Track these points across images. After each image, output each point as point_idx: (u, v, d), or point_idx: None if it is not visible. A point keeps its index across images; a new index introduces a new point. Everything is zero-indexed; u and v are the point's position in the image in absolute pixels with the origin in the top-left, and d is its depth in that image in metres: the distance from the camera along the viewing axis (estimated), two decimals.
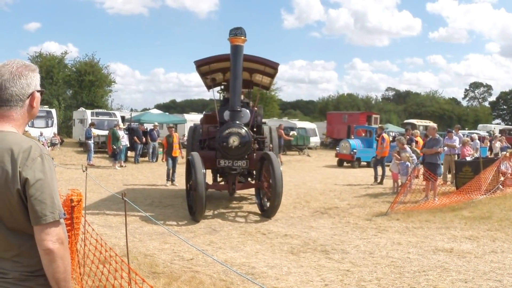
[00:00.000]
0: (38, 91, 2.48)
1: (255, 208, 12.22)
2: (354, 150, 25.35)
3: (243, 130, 11.14)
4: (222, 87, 15.23)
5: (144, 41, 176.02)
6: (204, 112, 15.19)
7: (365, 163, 25.66)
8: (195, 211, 10.42)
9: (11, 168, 2.21)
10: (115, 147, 22.12)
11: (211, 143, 12.26)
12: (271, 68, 13.09)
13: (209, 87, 15.07)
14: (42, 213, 2.21)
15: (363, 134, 27.34)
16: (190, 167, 11.16)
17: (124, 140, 23.09)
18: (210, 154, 11.65)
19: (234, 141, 10.92)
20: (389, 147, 18.67)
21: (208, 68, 13.11)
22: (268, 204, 11.49)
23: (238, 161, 11.30)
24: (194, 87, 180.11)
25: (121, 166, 22.38)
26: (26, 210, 2.25)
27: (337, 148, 28.26)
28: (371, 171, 19.98)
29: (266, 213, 11.24)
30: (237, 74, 11.38)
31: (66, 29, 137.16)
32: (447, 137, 17.32)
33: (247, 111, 12.13)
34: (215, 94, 14.95)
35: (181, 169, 16.63)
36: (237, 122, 11.29)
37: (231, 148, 10.98)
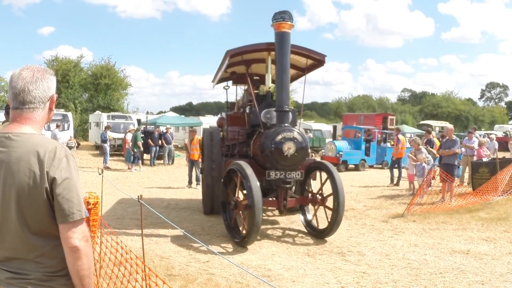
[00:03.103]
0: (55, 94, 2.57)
1: (269, 210, 12.18)
2: (340, 153, 24.20)
3: (299, 135, 9.22)
4: (230, 82, 13.86)
5: (158, 45, 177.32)
6: (224, 113, 12.78)
7: (352, 166, 24.97)
8: (248, 236, 8.39)
9: (39, 169, 2.28)
10: (136, 150, 22.40)
11: (242, 149, 10.82)
12: (314, 61, 11.10)
13: (220, 80, 13.79)
14: (70, 211, 2.29)
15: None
16: (229, 178, 9.60)
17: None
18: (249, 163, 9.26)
19: (289, 148, 8.95)
20: (404, 148, 18.60)
21: (240, 58, 10.88)
22: (311, 218, 10.15)
23: (292, 172, 9.26)
24: (209, 89, 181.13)
25: (129, 169, 22.63)
26: (52, 209, 2.31)
27: (322, 151, 27.33)
28: (387, 172, 19.91)
29: (321, 234, 9.45)
30: (285, 66, 9.46)
31: (79, 33, 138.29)
32: (466, 138, 17.26)
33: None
34: (227, 91, 13.75)
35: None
36: (286, 124, 9.37)
37: (286, 157, 8.98)
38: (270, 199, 9.56)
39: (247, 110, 11.71)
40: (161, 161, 25.63)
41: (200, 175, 15.04)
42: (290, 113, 9.55)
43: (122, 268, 5.20)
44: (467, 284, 6.54)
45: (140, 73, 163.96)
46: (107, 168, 22.12)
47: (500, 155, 19.13)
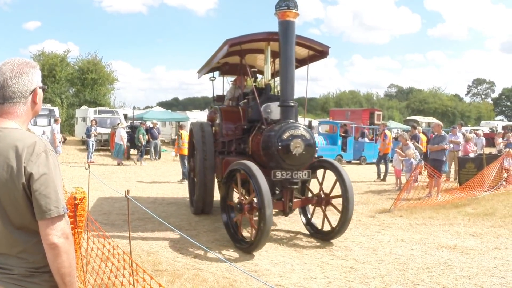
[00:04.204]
0: (40, 87, 2.51)
1: None
2: (316, 148, 23.23)
3: (306, 131, 8.60)
4: (216, 73, 12.96)
5: (144, 39, 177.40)
6: (217, 106, 11.49)
7: None
8: (257, 242, 7.66)
9: (16, 164, 2.24)
10: (140, 145, 23.20)
11: (239, 146, 10.07)
12: (316, 52, 10.33)
13: (207, 71, 12.70)
14: (47, 207, 2.24)
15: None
16: (229, 180, 8.82)
17: (125, 140, 23.08)
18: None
19: (297, 146, 8.29)
20: (391, 143, 18.68)
21: (239, 48, 9.88)
22: (313, 220, 9.71)
23: (298, 172, 8.60)
24: (196, 84, 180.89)
25: (120, 164, 22.60)
26: (31, 205, 2.27)
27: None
28: (373, 167, 19.98)
29: (327, 236, 8.87)
30: (290, 58, 8.72)
31: (65, 28, 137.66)
32: (450, 133, 17.36)
33: None
34: (220, 82, 12.96)
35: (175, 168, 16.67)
36: (292, 120, 8.70)
37: (293, 156, 8.31)
38: (274, 200, 8.62)
39: (241, 104, 10.93)
40: (148, 156, 25.52)
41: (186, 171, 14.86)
42: (293, 108, 8.89)
43: (109, 264, 5.17)
44: (454, 279, 6.57)
45: (127, 68, 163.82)
46: (92, 162, 21.98)
47: (486, 150, 19.28)
